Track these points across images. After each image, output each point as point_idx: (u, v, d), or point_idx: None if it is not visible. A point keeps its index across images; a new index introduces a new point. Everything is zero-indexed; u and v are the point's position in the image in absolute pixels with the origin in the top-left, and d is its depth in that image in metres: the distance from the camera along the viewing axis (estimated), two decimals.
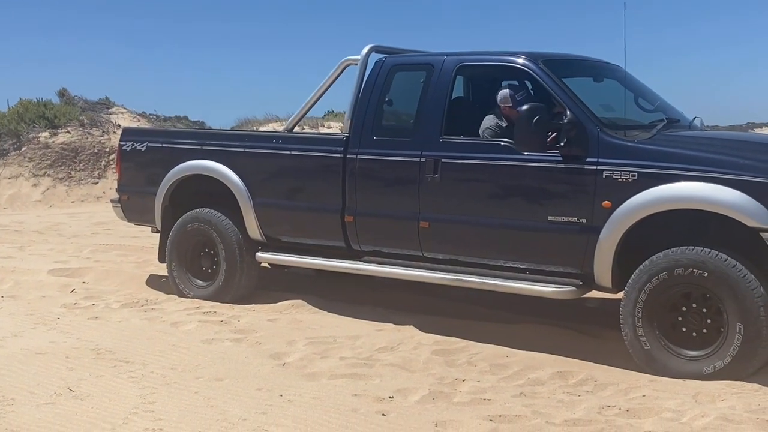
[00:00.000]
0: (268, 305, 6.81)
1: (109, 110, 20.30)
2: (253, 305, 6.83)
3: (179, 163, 7.26)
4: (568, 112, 5.46)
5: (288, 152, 6.78)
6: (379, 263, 6.36)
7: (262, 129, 18.50)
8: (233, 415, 4.22)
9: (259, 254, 6.97)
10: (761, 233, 4.80)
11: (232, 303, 6.88)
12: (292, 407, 4.34)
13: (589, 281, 5.45)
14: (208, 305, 6.80)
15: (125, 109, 20.94)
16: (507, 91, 6.04)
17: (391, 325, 6.13)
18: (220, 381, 4.80)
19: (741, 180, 4.86)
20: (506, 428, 4.06)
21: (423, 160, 5.99)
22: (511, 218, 5.68)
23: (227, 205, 7.03)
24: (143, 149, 7.58)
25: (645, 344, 5.04)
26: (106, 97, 21.02)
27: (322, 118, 21.34)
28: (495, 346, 5.54)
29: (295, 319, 6.43)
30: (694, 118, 6.36)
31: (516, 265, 5.72)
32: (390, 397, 4.52)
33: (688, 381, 4.76)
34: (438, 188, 5.94)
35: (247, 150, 6.98)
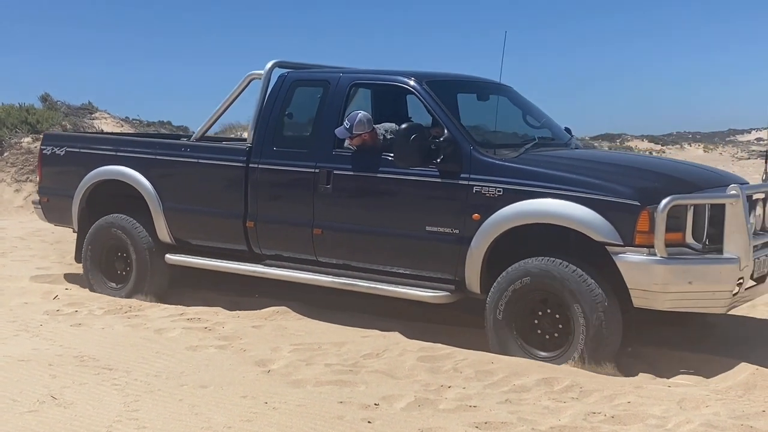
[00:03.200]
0: (252, 312, 6.79)
1: (92, 115, 20.12)
2: (237, 312, 6.81)
3: (95, 168, 7.56)
4: (445, 131, 5.88)
5: (195, 160, 7.12)
6: (279, 266, 6.71)
7: (244, 134, 18.41)
8: (218, 422, 4.20)
9: (168, 256, 7.25)
10: (606, 247, 5.21)
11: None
12: (277, 414, 4.33)
13: (461, 287, 5.85)
14: (192, 311, 6.77)
15: (108, 114, 20.75)
16: (361, 114, 6.22)
17: (377, 332, 6.13)
18: (205, 388, 4.78)
19: (590, 198, 5.29)
20: None
21: (317, 171, 6.37)
22: (394, 227, 6.07)
23: (139, 209, 7.33)
24: (62, 153, 7.95)
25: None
26: (89, 102, 20.86)
27: None
28: (480, 352, 5.56)
29: (280, 325, 6.41)
30: (571, 136, 6.91)
31: (400, 271, 6.14)
32: (376, 404, 4.51)
33: (672, 387, 4.80)
34: (330, 198, 6.33)
35: (157, 157, 7.30)
